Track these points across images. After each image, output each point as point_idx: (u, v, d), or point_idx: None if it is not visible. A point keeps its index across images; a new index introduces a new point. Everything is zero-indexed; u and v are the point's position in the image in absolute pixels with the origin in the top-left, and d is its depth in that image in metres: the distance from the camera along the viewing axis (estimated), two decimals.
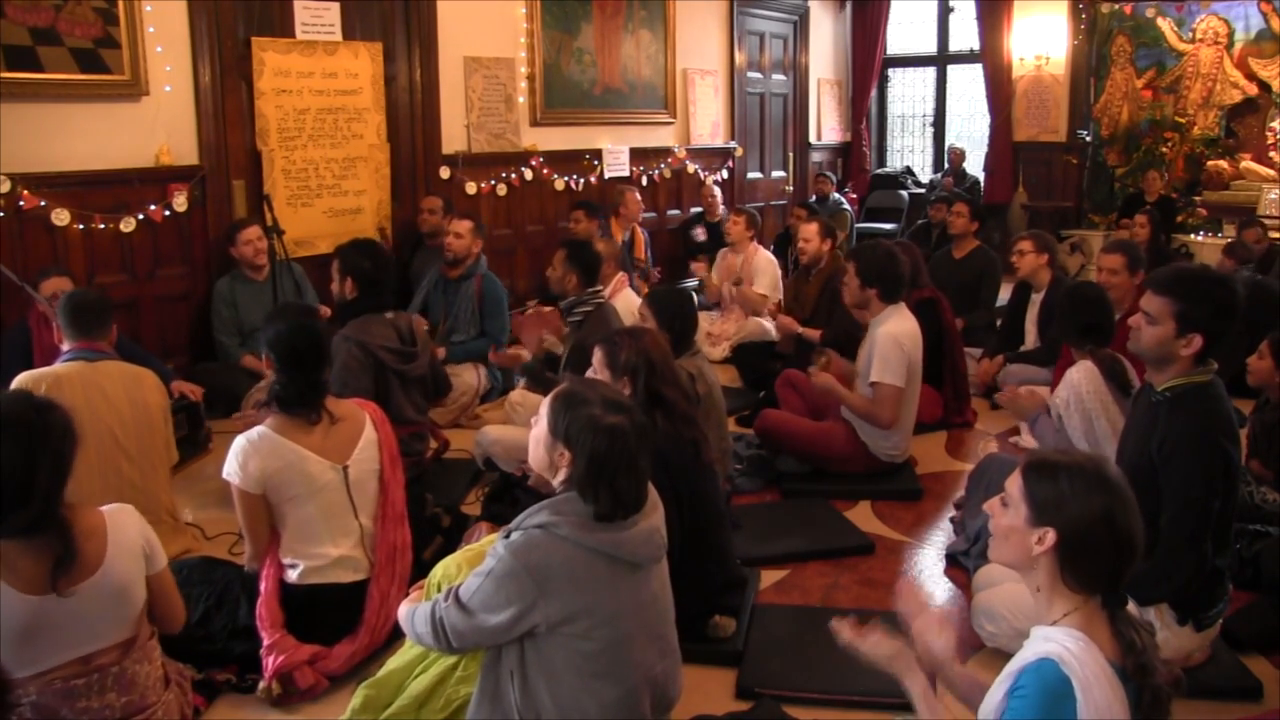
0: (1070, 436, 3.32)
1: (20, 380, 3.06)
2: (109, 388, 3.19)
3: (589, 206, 6.65)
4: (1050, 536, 1.64)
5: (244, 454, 2.62)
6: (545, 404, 2.07)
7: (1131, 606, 1.72)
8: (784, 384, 4.52)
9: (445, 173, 6.34)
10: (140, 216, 4.88)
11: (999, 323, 5.68)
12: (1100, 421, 3.26)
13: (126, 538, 2.18)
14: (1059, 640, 1.60)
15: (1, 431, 2.02)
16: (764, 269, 6.24)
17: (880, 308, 4.03)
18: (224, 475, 2.66)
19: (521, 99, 6.80)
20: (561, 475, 2.02)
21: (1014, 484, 1.71)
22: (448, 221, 5.38)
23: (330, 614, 2.69)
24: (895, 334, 3.91)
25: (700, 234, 7.65)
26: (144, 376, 3.34)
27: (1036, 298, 5.24)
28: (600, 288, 4.31)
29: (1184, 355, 2.48)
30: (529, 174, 6.87)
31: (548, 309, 5.72)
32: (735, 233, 6.35)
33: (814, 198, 9.06)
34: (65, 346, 3.29)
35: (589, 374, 2.89)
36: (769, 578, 3.31)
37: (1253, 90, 8.43)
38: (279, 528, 2.71)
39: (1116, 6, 9.06)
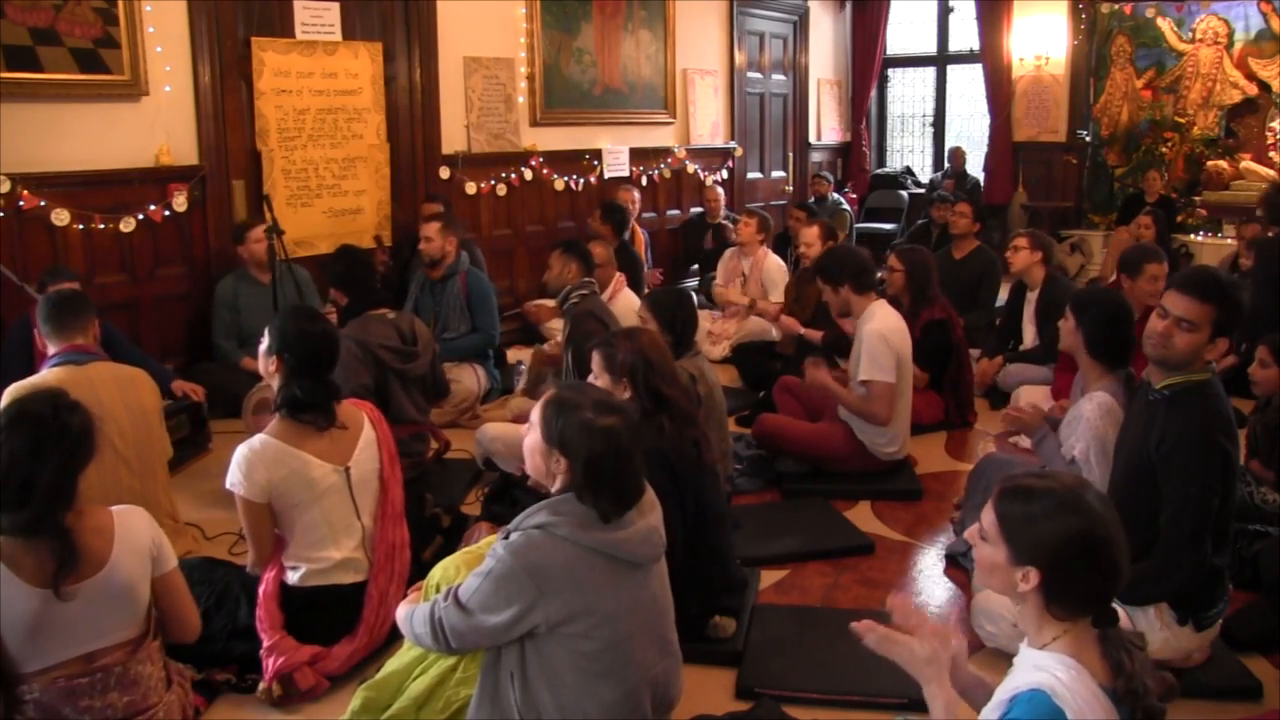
0: (1064, 459, 3.22)
1: (9, 393, 2.86)
2: (104, 395, 3.10)
3: (609, 208, 6.59)
4: (1034, 576, 1.61)
5: (247, 463, 2.59)
6: (536, 412, 2.06)
7: (1124, 618, 1.68)
8: (781, 390, 4.53)
9: (445, 173, 6.34)
10: (140, 216, 4.88)
11: (997, 322, 5.69)
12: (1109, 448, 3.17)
13: (134, 537, 2.18)
14: (1050, 669, 1.58)
15: (14, 426, 2.02)
16: (776, 276, 6.17)
17: (861, 303, 4.07)
18: (227, 485, 2.63)
19: (521, 99, 6.80)
20: (560, 482, 2.02)
21: (989, 517, 1.68)
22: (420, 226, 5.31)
23: (330, 614, 2.69)
24: (881, 330, 3.95)
25: (710, 243, 7.60)
26: (137, 377, 3.30)
27: (1032, 296, 5.24)
28: (593, 279, 4.35)
29: (1207, 359, 2.49)
30: (529, 174, 6.87)
31: (549, 303, 5.73)
32: (745, 235, 6.28)
33: (811, 199, 9.05)
34: (50, 350, 3.23)
35: (590, 378, 2.89)
36: (769, 578, 3.30)
37: (1253, 90, 8.43)
38: (285, 535, 2.69)
39: (1116, 6, 9.06)
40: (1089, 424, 2.97)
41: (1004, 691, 1.63)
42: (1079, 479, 1.72)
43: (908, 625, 1.88)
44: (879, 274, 4.56)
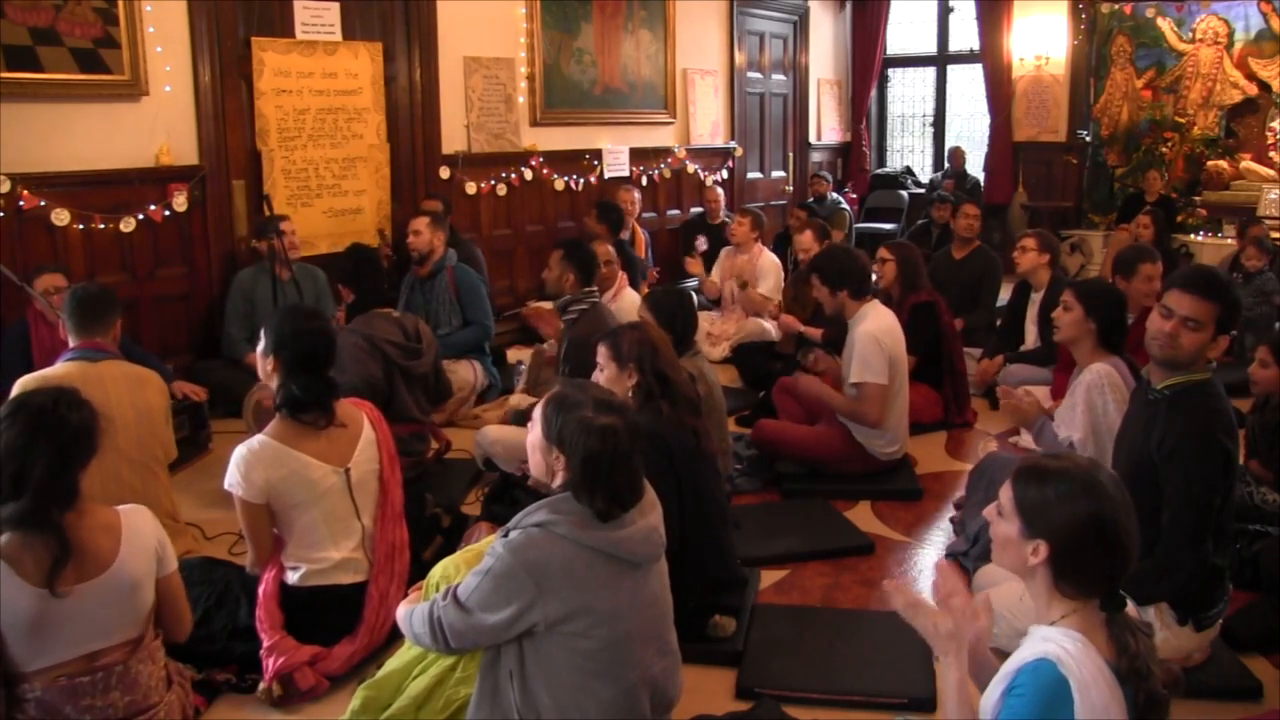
0: (1063, 445, 3.27)
1: (19, 385, 2.95)
2: (111, 391, 3.11)
3: (604, 208, 6.60)
4: (1043, 549, 1.64)
5: (246, 464, 2.59)
6: (538, 409, 2.08)
7: (1131, 608, 1.71)
8: (780, 391, 4.53)
9: (445, 173, 6.34)
10: (140, 216, 4.88)
11: (998, 322, 5.69)
12: (1112, 422, 3.21)
13: (141, 537, 2.19)
14: (1057, 641, 1.60)
15: (13, 417, 2.03)
16: (768, 271, 6.22)
17: (855, 306, 4.06)
18: (226, 486, 2.63)
19: (521, 99, 6.80)
20: (559, 479, 2.02)
21: (1006, 493, 1.72)
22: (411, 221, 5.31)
23: (330, 615, 2.69)
24: (873, 332, 3.94)
25: (702, 244, 7.52)
26: (147, 378, 3.31)
27: (1036, 297, 5.24)
28: (594, 288, 4.31)
29: (1210, 357, 2.50)
30: (529, 174, 6.87)
31: (547, 305, 5.73)
32: (740, 234, 6.32)
33: (811, 199, 9.06)
34: (70, 343, 3.27)
35: (595, 373, 2.90)
36: (769, 578, 3.31)
37: (1253, 90, 8.43)
38: (284, 535, 2.70)
39: (1116, 6, 9.06)
40: (1085, 401, 3.10)
41: (1011, 663, 1.66)
42: (1094, 461, 1.74)
43: (945, 589, 1.86)
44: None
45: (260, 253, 4.97)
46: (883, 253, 4.88)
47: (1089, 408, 3.15)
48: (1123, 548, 1.62)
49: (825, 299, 4.14)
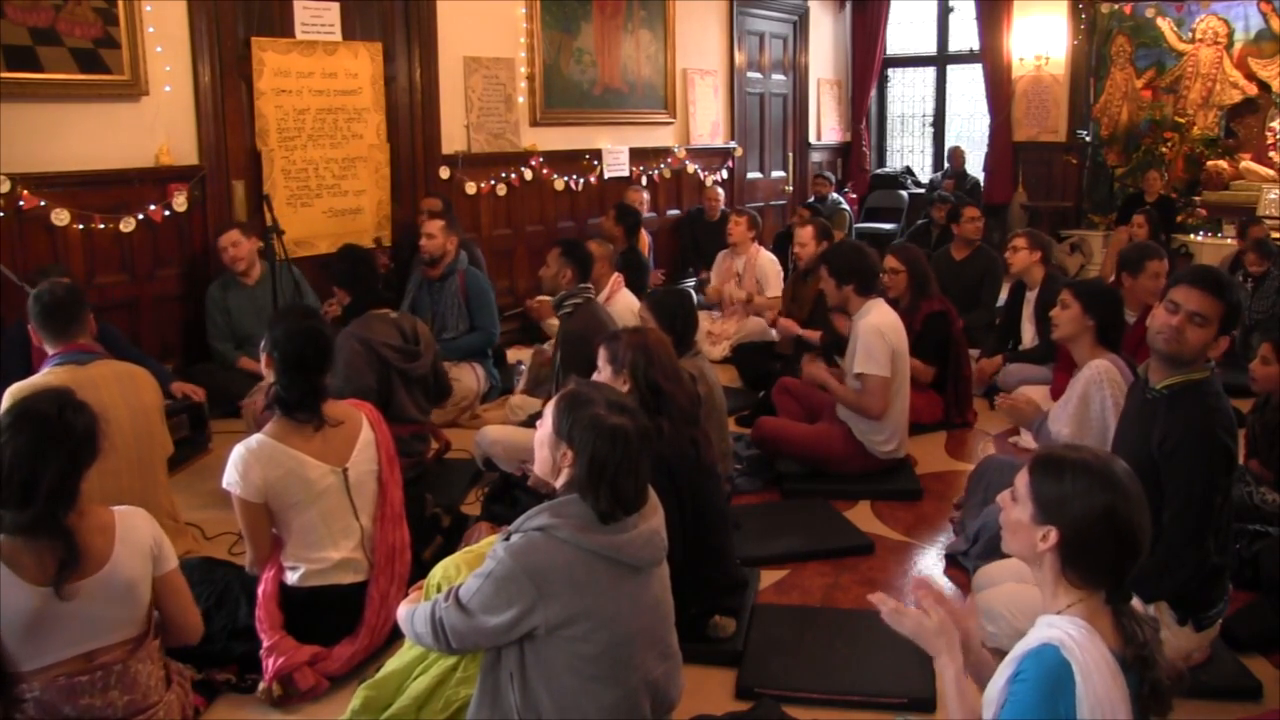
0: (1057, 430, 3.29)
1: (11, 393, 2.86)
2: (105, 394, 3.07)
3: (623, 210, 6.58)
4: (1053, 535, 1.66)
5: (244, 463, 2.59)
6: (550, 406, 2.08)
7: (1136, 602, 1.72)
8: (780, 391, 4.53)
9: (445, 173, 6.34)
10: (140, 216, 4.88)
11: (997, 322, 5.69)
12: (1107, 418, 3.23)
13: (136, 537, 2.19)
14: (1062, 627, 1.62)
15: (18, 425, 2.03)
16: (770, 271, 6.23)
17: (859, 303, 4.08)
18: (224, 485, 2.63)
19: (521, 99, 6.81)
20: (564, 476, 2.02)
21: (1022, 480, 1.74)
22: (421, 222, 5.32)
23: (330, 615, 2.69)
24: (877, 325, 3.95)
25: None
26: (138, 375, 3.28)
27: (1031, 295, 5.24)
28: (589, 284, 4.31)
29: (1212, 355, 2.51)
30: (529, 174, 6.87)
31: (550, 298, 5.73)
32: (736, 234, 6.33)
33: (812, 198, 9.07)
34: (49, 350, 3.19)
35: (595, 375, 2.89)
36: (769, 578, 3.30)
37: (1252, 90, 8.44)
38: (282, 535, 2.69)
39: (1116, 6, 9.06)
40: (1080, 396, 3.16)
41: (1018, 649, 1.67)
42: (1111, 454, 1.76)
43: (929, 600, 1.88)
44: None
45: (220, 260, 5.01)
46: (893, 263, 4.82)
47: (1083, 401, 3.20)
48: (1134, 541, 1.64)
49: (830, 291, 4.15)
